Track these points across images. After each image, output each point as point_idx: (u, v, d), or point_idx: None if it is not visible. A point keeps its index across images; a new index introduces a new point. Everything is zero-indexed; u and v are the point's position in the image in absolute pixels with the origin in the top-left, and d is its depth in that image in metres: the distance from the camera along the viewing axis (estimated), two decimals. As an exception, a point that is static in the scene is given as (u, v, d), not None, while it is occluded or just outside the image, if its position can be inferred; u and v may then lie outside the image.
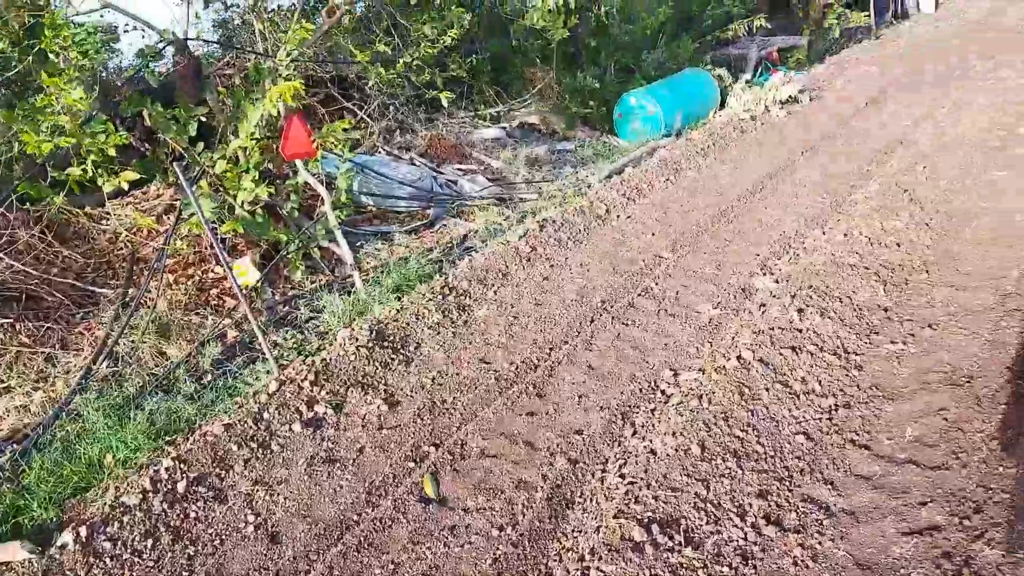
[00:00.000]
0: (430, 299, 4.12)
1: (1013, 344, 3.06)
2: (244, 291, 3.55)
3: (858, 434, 2.70)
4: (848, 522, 2.31)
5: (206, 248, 4.73)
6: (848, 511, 2.36)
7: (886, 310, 3.52)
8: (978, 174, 5.07)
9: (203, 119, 4.58)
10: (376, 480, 2.84)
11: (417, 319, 3.96)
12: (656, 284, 4.20)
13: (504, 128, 7.60)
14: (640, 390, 3.22)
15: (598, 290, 4.21)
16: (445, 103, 5.80)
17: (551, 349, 3.64)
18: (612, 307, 3.99)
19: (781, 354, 3.22)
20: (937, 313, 3.44)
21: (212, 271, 4.72)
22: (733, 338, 3.46)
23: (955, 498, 2.32)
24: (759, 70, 9.12)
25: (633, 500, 2.51)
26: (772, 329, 3.41)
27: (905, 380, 2.97)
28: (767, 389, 2.99)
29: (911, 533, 2.22)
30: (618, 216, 5.33)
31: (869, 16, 11.67)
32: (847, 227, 4.37)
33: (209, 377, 3.70)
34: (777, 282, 3.99)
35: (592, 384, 3.30)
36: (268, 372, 3.56)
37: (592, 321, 3.87)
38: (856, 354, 3.20)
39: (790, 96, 7.69)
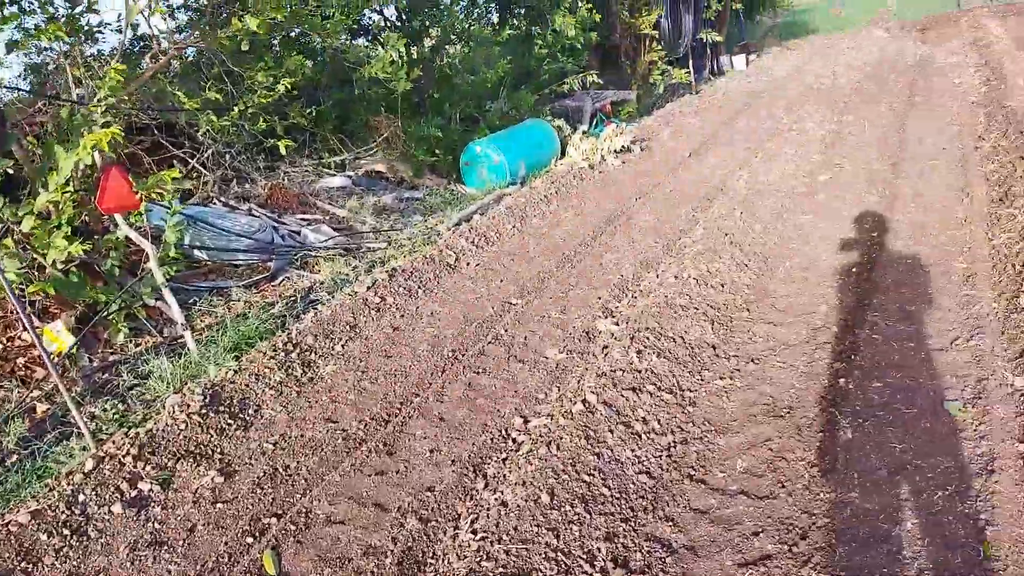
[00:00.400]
0: (272, 357, 3.90)
1: (824, 375, 3.39)
2: (56, 359, 3.17)
3: (694, 469, 2.85)
4: (689, 558, 2.41)
5: (11, 313, 4.21)
6: (688, 547, 2.46)
7: (714, 347, 3.79)
8: (788, 218, 5.66)
9: (9, 171, 4.11)
10: (209, 562, 2.60)
11: (257, 379, 3.73)
12: (506, 331, 4.25)
13: (350, 176, 7.48)
14: (491, 440, 3.22)
15: (449, 339, 4.19)
16: (284, 151, 5.61)
17: (402, 403, 3.56)
18: (463, 356, 3.99)
19: (623, 395, 3.35)
20: (759, 348, 3.75)
21: (19, 338, 4.20)
22: (579, 382, 3.56)
23: (783, 526, 2.49)
24: (595, 121, 9.71)
25: (485, 556, 2.47)
26: (614, 371, 3.55)
27: (734, 413, 3.19)
28: (611, 431, 3.09)
29: (746, 564, 2.35)
30: (468, 264, 5.38)
31: (689, 73, 12.86)
32: (677, 270, 4.68)
33: (14, 458, 3.25)
34: (617, 324, 4.18)
35: (444, 437, 3.26)
36: (84, 448, 3.19)
37: (443, 371, 3.84)
38: (690, 391, 3.41)
39: (623, 146, 8.25)
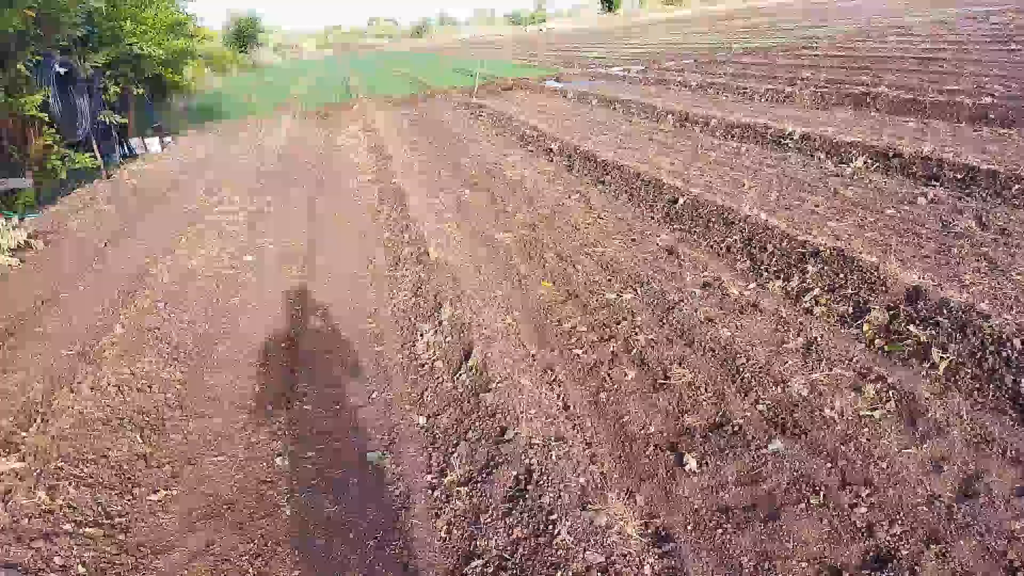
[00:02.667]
0: None
1: (264, 458, 3.49)
2: None
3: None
4: None
5: None
6: None
7: (146, 457, 3.53)
8: (218, 302, 5.69)
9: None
10: None
11: None
12: None
13: None
14: None
15: None
16: None
17: None
18: None
19: (31, 549, 2.80)
20: (196, 447, 3.65)
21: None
22: (-37, 554, 2.83)
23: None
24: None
25: None
26: (16, 522, 2.94)
27: (173, 527, 3.02)
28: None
29: None
30: None
31: (96, 158, 11.87)
32: (95, 380, 4.21)
33: None
34: (23, 460, 3.50)
35: None
36: None
37: None
38: (120, 516, 3.07)
39: (20, 242, 7.10)
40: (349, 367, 4.38)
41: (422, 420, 3.65)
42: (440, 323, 4.61)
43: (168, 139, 15.11)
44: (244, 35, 62.64)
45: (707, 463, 3.01)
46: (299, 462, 3.41)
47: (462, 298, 4.86)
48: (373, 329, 4.91)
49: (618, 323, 4.44)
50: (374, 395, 3.99)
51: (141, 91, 14.01)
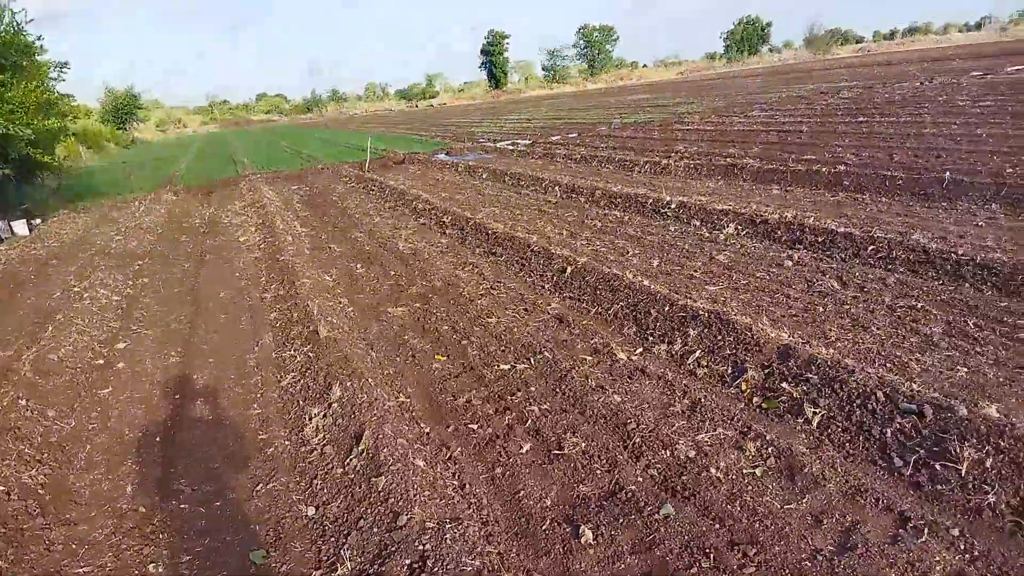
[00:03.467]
0: None
1: (134, 565, 3.19)
2: None
3: None
4: None
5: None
6: None
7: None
8: (86, 395, 5.28)
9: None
10: None
11: None
12: None
13: None
14: None
15: None
16: None
17: None
18: None
19: None
20: (59, 557, 3.30)
21: None
22: None
23: None
24: None
25: None
26: None
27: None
28: None
29: None
30: None
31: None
32: (-67, 493, 3.75)
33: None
34: None
35: None
36: None
37: None
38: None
39: None
40: (232, 458, 4.13)
41: (311, 511, 3.47)
42: (330, 405, 4.45)
43: (37, 221, 14.20)
44: (123, 111, 60.61)
45: (602, 534, 3.01)
46: (175, 568, 3.14)
47: (353, 377, 4.74)
48: (259, 415, 4.68)
49: (513, 394, 4.46)
50: (259, 487, 3.77)
51: (7, 171, 13.19)
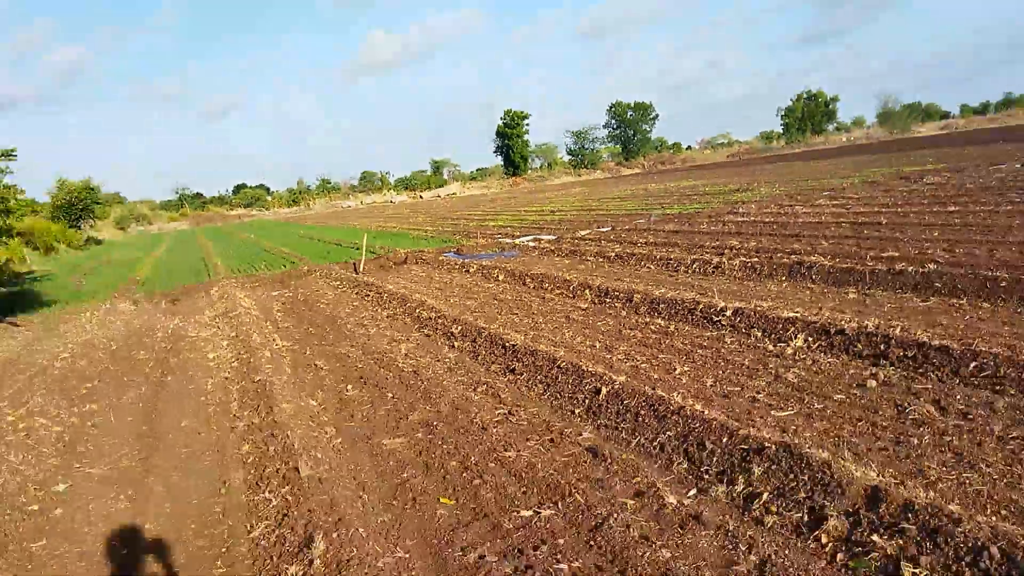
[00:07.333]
0: None
1: None
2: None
3: None
4: None
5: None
6: None
7: None
8: (15, 547, 5.25)
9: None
10: None
11: None
12: None
13: None
14: None
15: None
16: None
17: None
18: None
19: None
20: None
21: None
22: None
23: None
24: None
25: None
26: None
27: None
28: None
29: None
30: None
31: None
32: None
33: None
34: None
35: None
36: None
37: None
38: None
39: None
40: (188, 630, 4.05)
41: None
42: (311, 562, 4.38)
43: (-33, 335, 14.53)
44: (77, 207, 62.84)
45: None
46: None
47: (340, 526, 4.69)
48: (223, 575, 4.61)
49: (536, 548, 4.36)
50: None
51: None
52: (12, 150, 14.61)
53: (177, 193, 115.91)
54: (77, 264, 35.08)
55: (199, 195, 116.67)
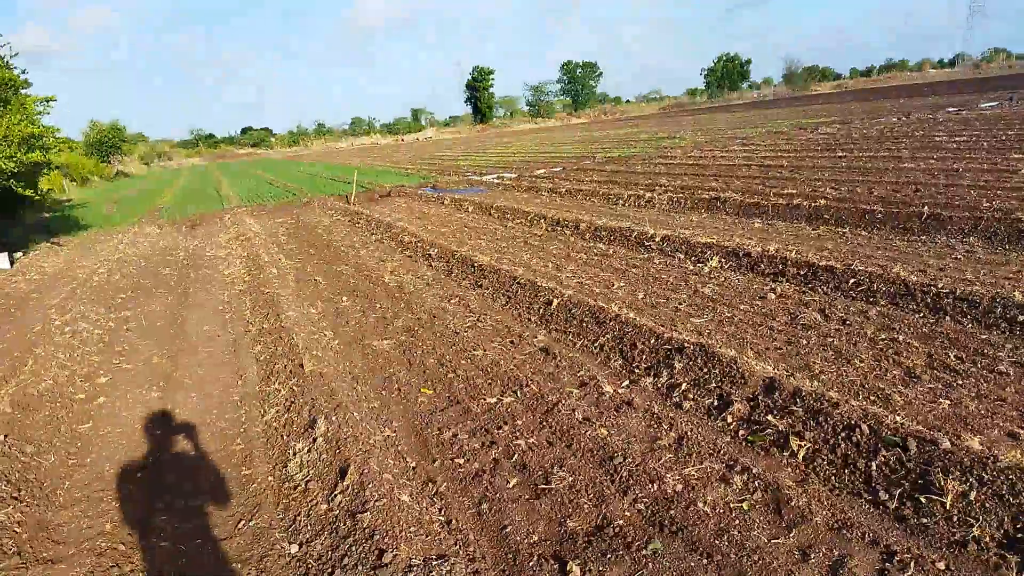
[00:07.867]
0: None
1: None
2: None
3: None
4: None
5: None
6: None
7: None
8: (66, 430, 5.23)
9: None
10: None
11: None
12: None
13: None
14: None
15: None
16: None
17: None
18: None
19: None
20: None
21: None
22: None
23: None
24: None
25: None
26: None
27: None
28: None
29: None
30: None
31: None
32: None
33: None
34: None
35: None
36: None
37: None
38: None
39: None
40: (214, 494, 4.07)
41: (294, 549, 3.42)
42: (314, 440, 4.41)
43: (18, 254, 14.08)
44: (107, 145, 60.51)
45: (591, 570, 2.98)
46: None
47: (338, 411, 4.70)
48: (241, 450, 4.62)
49: (499, 428, 4.43)
50: (241, 524, 3.71)
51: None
52: (52, 97, 13.98)
53: (192, 133, 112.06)
54: (108, 194, 33.92)
55: (211, 136, 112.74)
